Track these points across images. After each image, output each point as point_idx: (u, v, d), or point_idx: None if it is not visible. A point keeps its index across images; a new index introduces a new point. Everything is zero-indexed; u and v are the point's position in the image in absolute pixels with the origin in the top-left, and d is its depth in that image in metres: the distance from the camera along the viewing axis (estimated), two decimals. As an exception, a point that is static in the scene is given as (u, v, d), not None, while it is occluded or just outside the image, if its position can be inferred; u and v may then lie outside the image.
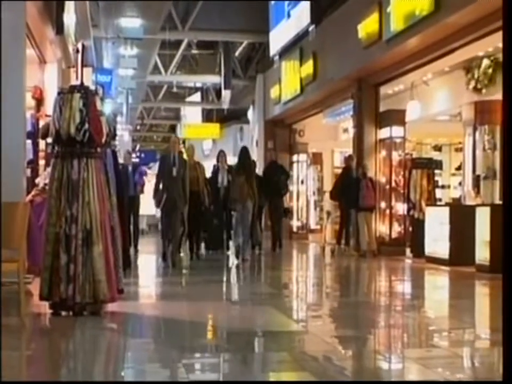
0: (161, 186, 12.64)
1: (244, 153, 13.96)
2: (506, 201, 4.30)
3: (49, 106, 10.58)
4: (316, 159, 22.96)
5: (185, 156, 13.70)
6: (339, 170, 21.99)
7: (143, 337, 6.54)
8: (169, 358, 5.40)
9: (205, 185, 14.08)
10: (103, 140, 7.12)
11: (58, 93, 7.20)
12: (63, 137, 6.94)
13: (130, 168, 15.39)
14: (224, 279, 11.79)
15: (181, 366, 5.09)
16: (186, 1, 24.40)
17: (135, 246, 15.64)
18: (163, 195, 12.43)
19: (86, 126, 6.94)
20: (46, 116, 10.91)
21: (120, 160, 13.25)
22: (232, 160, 17.25)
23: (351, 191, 15.24)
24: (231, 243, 15.65)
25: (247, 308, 8.27)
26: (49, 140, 7.46)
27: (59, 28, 12.14)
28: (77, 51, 14.34)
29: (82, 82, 7.40)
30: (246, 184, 13.50)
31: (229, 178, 14.62)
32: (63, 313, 6.91)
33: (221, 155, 15.40)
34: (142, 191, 15.79)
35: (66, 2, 12.50)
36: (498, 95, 13.94)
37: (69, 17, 13.10)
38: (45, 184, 8.77)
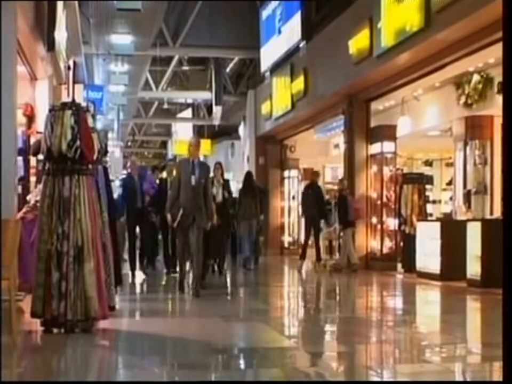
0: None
1: (249, 177, 16.09)
2: (506, 215, 4.32)
3: (40, 123, 10.55)
4: (307, 174, 22.98)
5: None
6: (330, 186, 22.09)
7: (134, 355, 6.51)
8: (160, 375, 5.38)
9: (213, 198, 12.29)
10: (95, 157, 7.12)
11: (50, 110, 7.21)
12: (55, 154, 6.94)
13: (136, 178, 13.95)
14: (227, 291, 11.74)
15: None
16: (177, 18, 24.45)
17: (152, 263, 14.97)
18: (179, 209, 10.37)
19: (78, 143, 6.94)
20: (37, 132, 10.89)
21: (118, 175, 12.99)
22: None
23: (317, 207, 15.88)
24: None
25: (238, 324, 8.24)
26: (41, 156, 7.45)
27: (50, 45, 12.14)
28: (68, 68, 14.38)
29: (73, 99, 7.42)
30: (252, 204, 15.40)
31: (225, 195, 13.87)
32: (55, 330, 6.89)
33: (216, 167, 13.85)
34: (151, 203, 14.14)
35: (58, 19, 12.51)
36: (488, 110, 14.03)
37: (60, 34, 13.11)
38: (36, 201, 8.74)
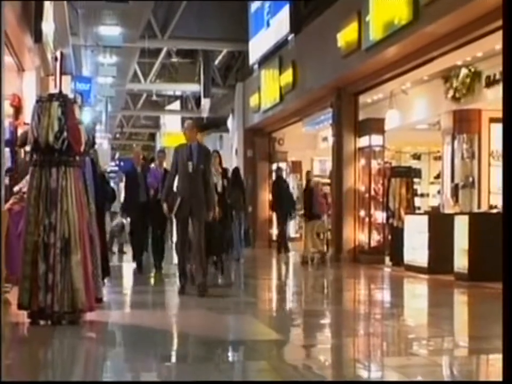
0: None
1: (237, 171, 16.03)
2: (506, 212, 4.32)
3: (27, 114, 10.50)
4: (296, 167, 23.01)
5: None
6: (319, 179, 22.11)
7: (121, 346, 6.50)
8: (147, 367, 5.37)
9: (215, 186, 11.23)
10: (82, 149, 7.09)
11: (37, 101, 7.16)
12: (42, 146, 6.91)
13: (139, 169, 13.29)
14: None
15: (158, 375, 5.06)
16: (165, 10, 24.37)
17: (159, 265, 13.16)
18: (176, 198, 9.61)
19: (65, 134, 6.90)
20: (25, 124, 10.84)
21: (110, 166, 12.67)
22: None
23: (284, 201, 16.53)
24: None
25: (226, 316, 8.24)
26: (28, 148, 7.41)
27: (37, 36, 12.09)
28: (56, 59, 14.29)
29: (60, 91, 7.37)
30: (241, 197, 15.46)
31: (225, 184, 13.16)
32: (42, 322, 6.86)
33: (214, 156, 12.36)
34: (156, 196, 13.01)
35: (45, 10, 12.45)
36: (476, 104, 14.06)
37: (48, 25, 13.05)
38: (23, 193, 8.70)
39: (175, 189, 9.84)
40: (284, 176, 22.62)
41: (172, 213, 9.80)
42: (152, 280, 12.35)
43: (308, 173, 17.40)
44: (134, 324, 7.53)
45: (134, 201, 13.04)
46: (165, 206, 9.79)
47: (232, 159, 23.94)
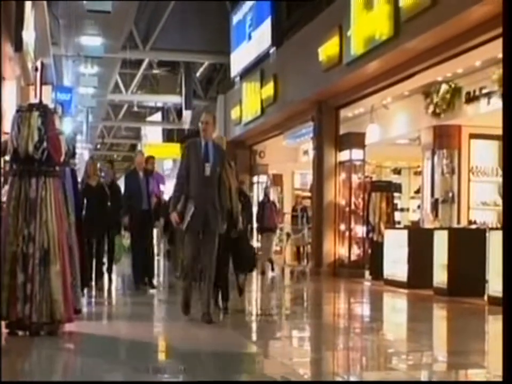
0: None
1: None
2: (506, 228, 4.33)
3: (7, 124, 10.43)
4: (276, 180, 23.03)
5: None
6: (299, 192, 22.14)
7: (99, 358, 6.44)
8: (124, 378, 5.32)
9: (237, 193, 9.14)
10: (62, 159, 7.05)
11: (17, 111, 7.12)
12: (21, 156, 6.86)
13: (141, 174, 11.96)
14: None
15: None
16: (147, 21, 24.38)
17: (150, 282, 12.03)
18: (188, 206, 8.02)
19: (45, 144, 6.86)
20: (4, 133, 10.76)
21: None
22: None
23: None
24: None
25: (206, 328, 8.19)
26: (7, 157, 7.36)
27: (18, 45, 12.02)
28: (36, 69, 14.21)
29: (41, 100, 7.33)
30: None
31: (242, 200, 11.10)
32: (20, 332, 6.79)
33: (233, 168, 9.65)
34: (159, 204, 12.46)
35: (26, 19, 12.39)
36: (456, 120, 14.15)
37: (28, 34, 12.99)
38: (2, 202, 8.63)
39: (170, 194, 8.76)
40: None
41: (182, 223, 8.03)
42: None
43: (266, 188, 17.53)
44: (113, 336, 7.47)
45: (134, 211, 11.68)
46: (174, 215, 8.07)
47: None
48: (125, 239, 14.21)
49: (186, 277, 8.26)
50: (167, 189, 14.98)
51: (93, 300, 10.55)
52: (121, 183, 13.68)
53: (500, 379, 4.59)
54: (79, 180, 10.35)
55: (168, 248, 12.83)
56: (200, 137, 8.21)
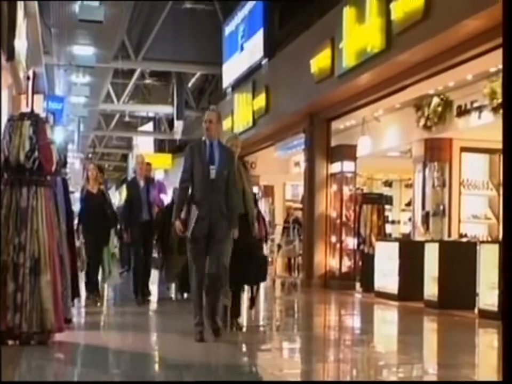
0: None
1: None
2: (506, 243, 4.33)
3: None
4: (268, 191, 23.01)
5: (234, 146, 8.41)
6: (291, 204, 22.13)
7: (90, 368, 6.41)
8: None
9: (254, 201, 8.77)
10: (53, 168, 7.04)
11: (8, 120, 7.12)
12: (12, 165, 6.85)
13: (142, 183, 11.30)
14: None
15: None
16: (139, 31, 24.40)
17: (142, 293, 11.43)
18: (192, 212, 7.42)
19: (36, 153, 6.86)
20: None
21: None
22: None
23: None
24: None
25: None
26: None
27: (10, 54, 11.99)
28: (28, 78, 14.19)
29: (32, 110, 7.35)
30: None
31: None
32: (10, 342, 6.76)
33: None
34: (160, 214, 11.73)
35: (18, 28, 12.38)
36: (447, 133, 14.20)
37: (20, 43, 12.97)
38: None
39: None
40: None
41: (187, 232, 7.38)
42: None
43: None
44: (103, 345, 7.44)
45: (135, 221, 11.09)
46: (178, 223, 7.43)
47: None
48: (113, 246, 14.04)
49: (195, 294, 7.48)
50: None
51: (83, 309, 10.51)
52: (111, 192, 13.42)
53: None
54: (80, 186, 10.06)
55: (160, 257, 12.55)
56: (204, 138, 7.63)
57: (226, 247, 7.44)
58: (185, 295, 11.78)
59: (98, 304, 11.25)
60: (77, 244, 10.51)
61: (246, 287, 9.17)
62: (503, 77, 4.30)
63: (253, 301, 9.27)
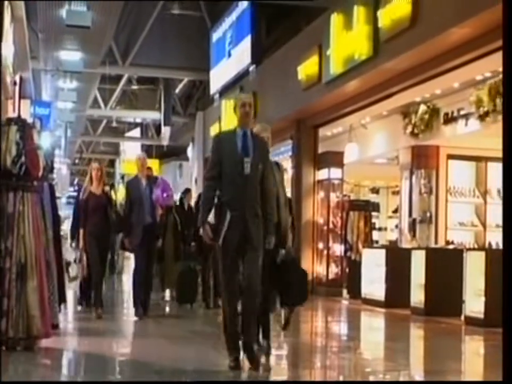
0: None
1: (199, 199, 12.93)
2: (506, 251, 4.35)
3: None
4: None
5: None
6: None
7: (76, 374, 6.39)
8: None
9: (286, 203, 7.08)
10: (40, 174, 7.02)
11: (-5, 125, 7.08)
12: (-1, 170, 6.81)
13: (144, 183, 10.43)
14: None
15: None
16: (127, 37, 24.37)
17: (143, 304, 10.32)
18: (223, 214, 6.25)
19: (23, 159, 6.84)
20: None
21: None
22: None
23: None
24: None
25: (183, 346, 8.15)
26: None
27: (-4, 59, 11.95)
28: (15, 83, 14.15)
29: (19, 115, 7.33)
30: None
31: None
32: (-4, 348, 6.73)
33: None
34: (164, 216, 10.89)
35: (5, 33, 12.34)
36: (434, 141, 14.24)
37: (7, 48, 12.93)
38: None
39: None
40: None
41: (219, 238, 6.20)
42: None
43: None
44: (90, 351, 7.40)
45: (136, 225, 10.14)
46: (207, 229, 6.27)
47: (192, 187, 23.86)
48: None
49: (227, 311, 6.32)
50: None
51: (71, 315, 10.46)
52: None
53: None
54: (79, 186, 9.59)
55: (156, 265, 11.82)
56: (236, 127, 6.46)
57: (261, 258, 6.27)
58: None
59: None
60: (77, 252, 10.29)
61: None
62: (503, 77, 4.33)
63: (286, 322, 7.48)
